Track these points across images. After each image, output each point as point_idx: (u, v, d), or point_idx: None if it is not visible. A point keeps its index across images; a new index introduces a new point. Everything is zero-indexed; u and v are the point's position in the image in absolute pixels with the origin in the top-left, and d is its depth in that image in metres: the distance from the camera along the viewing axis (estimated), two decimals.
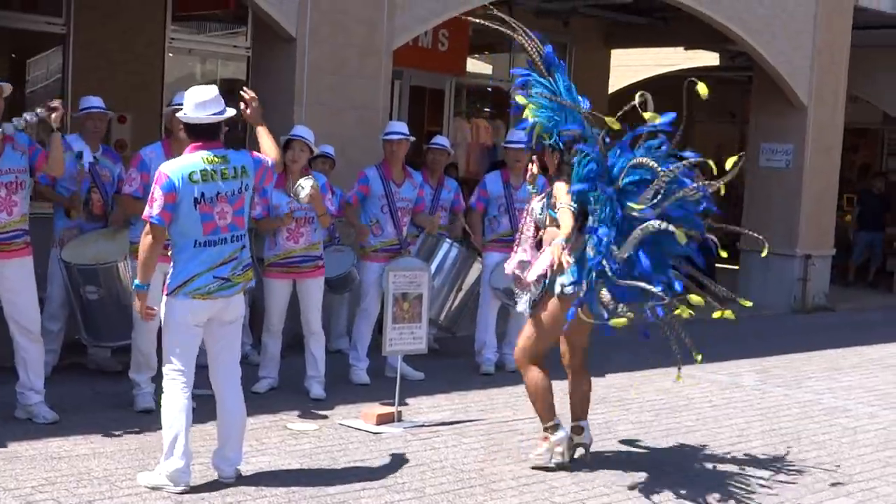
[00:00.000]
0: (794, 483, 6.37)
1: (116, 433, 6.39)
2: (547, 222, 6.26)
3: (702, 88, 6.04)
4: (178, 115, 5.59)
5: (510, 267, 6.42)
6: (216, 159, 5.43)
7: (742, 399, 8.63)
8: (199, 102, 5.42)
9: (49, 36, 11.30)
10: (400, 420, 7.10)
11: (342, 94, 9.59)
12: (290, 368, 7.90)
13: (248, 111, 5.78)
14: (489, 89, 16.21)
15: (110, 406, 7.02)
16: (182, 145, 6.64)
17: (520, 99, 6.30)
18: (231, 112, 5.54)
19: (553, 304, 6.18)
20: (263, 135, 5.81)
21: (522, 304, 6.36)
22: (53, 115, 6.28)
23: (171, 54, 12.15)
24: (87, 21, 11.20)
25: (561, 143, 6.22)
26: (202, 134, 5.46)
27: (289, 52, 9.37)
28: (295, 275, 7.61)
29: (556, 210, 6.16)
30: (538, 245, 6.35)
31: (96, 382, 7.66)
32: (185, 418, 5.40)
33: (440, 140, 9.39)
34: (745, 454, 6.94)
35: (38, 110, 6.26)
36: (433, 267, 8.44)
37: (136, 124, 11.57)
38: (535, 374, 6.32)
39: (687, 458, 6.76)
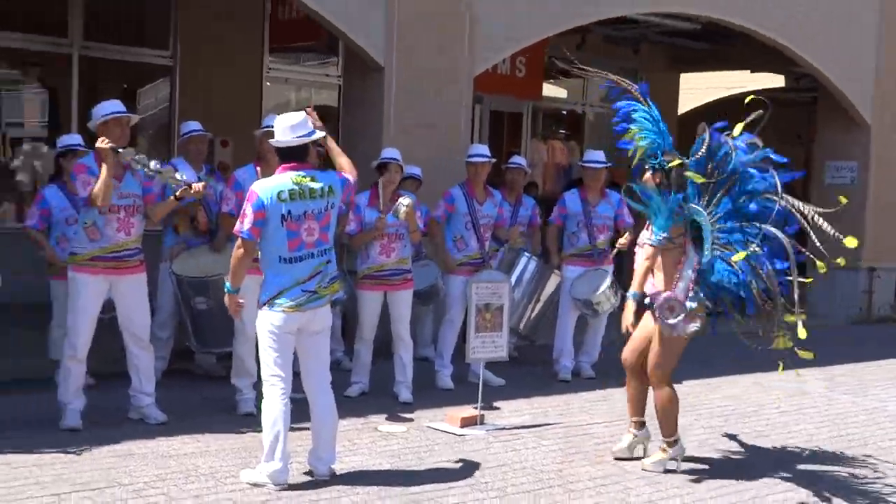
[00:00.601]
0: (864, 487, 6.24)
1: (221, 433, 6.49)
2: (665, 246, 6.14)
3: (758, 108, 6.16)
4: (271, 140, 5.68)
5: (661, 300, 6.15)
6: (305, 179, 5.50)
7: (810, 406, 8.47)
8: (287, 126, 5.50)
9: (157, 68, 11.57)
10: (483, 423, 7.11)
11: (427, 119, 9.66)
12: (380, 374, 7.96)
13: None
14: (564, 112, 16.18)
15: (216, 409, 7.14)
16: (271, 165, 6.76)
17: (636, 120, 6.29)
18: (319, 135, 5.61)
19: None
20: (338, 155, 5.79)
21: (686, 327, 6.12)
22: (184, 190, 6.37)
23: (268, 83, 12.36)
24: (191, 53, 11.45)
25: (665, 165, 6.20)
26: (291, 155, 5.53)
27: (377, 80, 9.48)
28: (386, 287, 7.68)
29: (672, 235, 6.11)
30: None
31: (203, 387, 7.80)
32: (283, 422, 5.47)
33: (518, 160, 9.41)
34: (815, 459, 6.81)
35: (179, 178, 6.34)
36: (513, 279, 8.47)
37: (237, 148, 11.78)
38: (669, 391, 6.27)
39: (757, 462, 6.66)
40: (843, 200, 6.21)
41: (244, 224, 5.46)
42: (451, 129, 9.84)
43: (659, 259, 6.20)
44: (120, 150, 6.23)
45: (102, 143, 6.20)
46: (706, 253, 6.06)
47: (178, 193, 6.43)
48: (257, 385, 6.97)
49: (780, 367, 6.16)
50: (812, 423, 7.86)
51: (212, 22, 11.56)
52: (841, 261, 6.20)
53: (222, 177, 8.44)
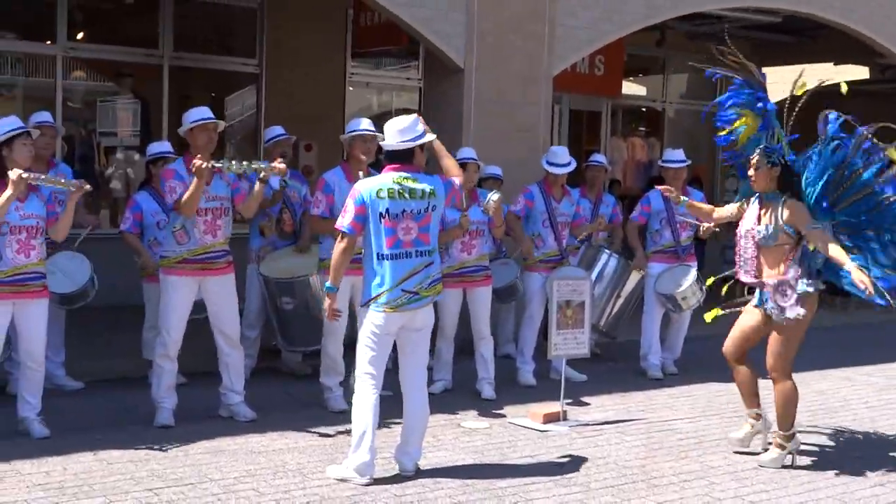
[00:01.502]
0: None
1: (308, 430, 6.54)
2: (778, 241, 6.11)
3: (843, 86, 6.41)
4: (379, 141, 5.72)
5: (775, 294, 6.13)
6: (407, 180, 5.52)
7: None
8: (397, 130, 5.55)
9: (244, 75, 11.75)
10: (565, 419, 7.05)
11: (506, 119, 9.64)
12: (462, 372, 7.95)
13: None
14: (643, 109, 16.00)
15: (302, 406, 7.20)
16: (358, 166, 6.84)
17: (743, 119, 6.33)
18: (428, 138, 5.62)
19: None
20: (445, 157, 5.84)
21: (794, 314, 6.09)
22: (267, 171, 6.42)
23: (350, 88, 12.46)
24: (276, 61, 11.60)
25: (784, 160, 6.13)
26: (396, 157, 5.57)
27: (457, 82, 9.49)
28: (467, 284, 7.68)
29: (796, 229, 6.06)
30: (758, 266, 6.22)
31: (289, 385, 7.88)
32: (373, 416, 5.50)
33: (597, 157, 9.32)
34: None
35: (265, 164, 6.42)
36: (593, 276, 8.39)
37: (321, 151, 11.89)
38: (790, 385, 6.22)
39: (844, 457, 6.48)
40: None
41: (345, 219, 5.51)
42: (531, 129, 9.81)
43: (767, 254, 6.14)
44: (216, 164, 6.27)
45: (200, 161, 6.21)
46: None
47: (262, 176, 6.44)
48: (343, 383, 7.07)
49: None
50: None
51: (296, 29, 11.70)
52: None
53: (306, 180, 8.54)
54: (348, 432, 6.49)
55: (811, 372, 9.07)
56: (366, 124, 6.91)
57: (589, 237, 8.77)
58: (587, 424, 7.02)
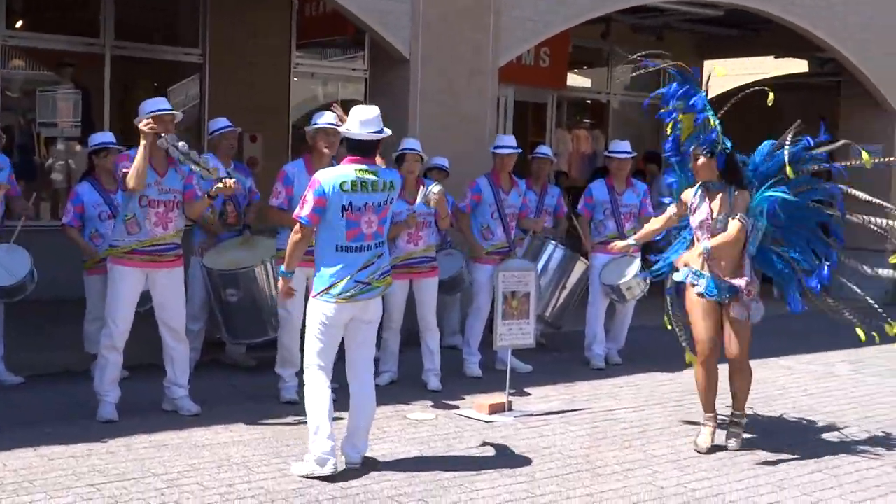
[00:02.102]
0: (890, 466, 6.14)
1: (253, 423, 6.50)
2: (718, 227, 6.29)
3: (718, 71, 6.87)
4: (341, 129, 5.66)
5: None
6: (367, 172, 5.48)
7: (837, 388, 8.37)
8: (363, 120, 5.49)
9: (187, 65, 11.61)
10: (511, 410, 7.07)
11: (452, 110, 9.63)
12: (408, 363, 7.95)
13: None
14: (588, 101, 16.08)
15: (247, 398, 7.15)
16: (322, 160, 6.80)
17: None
18: (388, 132, 5.60)
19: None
20: None
21: (758, 314, 6.31)
22: (220, 186, 6.36)
23: (295, 78, 12.37)
24: (220, 51, 11.48)
25: (724, 148, 6.24)
26: (360, 149, 5.52)
27: (403, 73, 9.45)
28: (413, 275, 7.67)
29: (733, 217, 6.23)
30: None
31: (233, 377, 7.82)
32: (327, 409, 5.47)
33: (543, 149, 9.36)
34: (842, 441, 6.73)
35: (214, 172, 6.30)
36: (539, 267, 8.42)
37: (266, 142, 11.80)
38: (750, 369, 6.48)
39: (784, 444, 6.57)
40: (866, 156, 6.24)
41: (304, 210, 5.45)
42: (476, 120, 9.80)
43: (723, 247, 6.25)
44: (162, 135, 6.21)
45: (146, 124, 6.18)
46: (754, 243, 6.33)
47: (212, 192, 6.44)
48: (299, 374, 7.03)
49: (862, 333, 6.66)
50: (838, 405, 7.76)
51: (241, 19, 11.58)
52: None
53: (249, 170, 8.46)
54: (294, 423, 6.50)
55: (751, 361, 9.16)
56: (329, 118, 6.87)
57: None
58: (532, 415, 7.04)
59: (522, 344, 7.38)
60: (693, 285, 6.38)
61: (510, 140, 8.44)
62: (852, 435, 6.88)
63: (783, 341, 10.07)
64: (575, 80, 15.42)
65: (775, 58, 16.79)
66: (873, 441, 6.73)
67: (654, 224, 6.84)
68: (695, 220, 6.38)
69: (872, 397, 8.07)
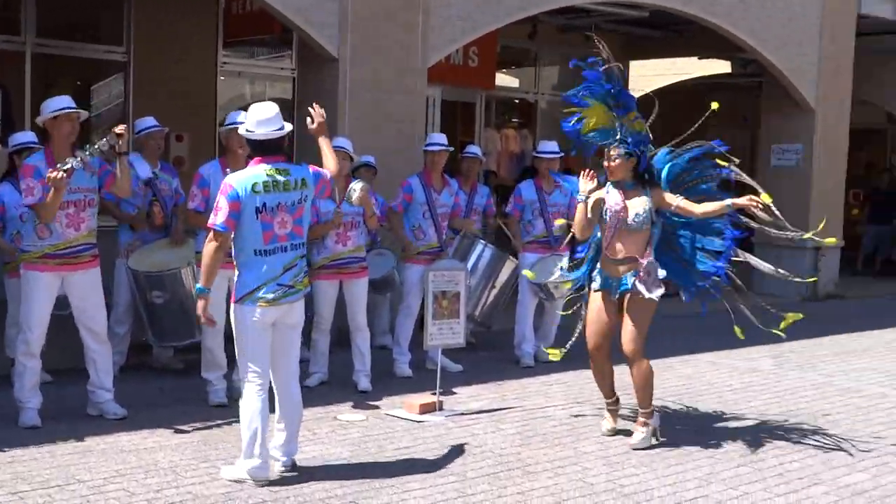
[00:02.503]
0: (812, 459, 6.27)
1: (180, 427, 6.40)
2: (646, 225, 6.39)
3: (714, 104, 6.68)
4: (240, 131, 5.54)
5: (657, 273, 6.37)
6: (278, 172, 5.39)
7: (760, 383, 8.52)
8: (261, 119, 5.38)
9: (111, 63, 11.37)
10: (441, 409, 7.07)
11: (381, 109, 9.60)
12: (338, 364, 7.90)
13: (315, 126, 5.71)
14: (516, 101, 16.14)
15: (174, 402, 7.03)
16: (238, 160, 6.71)
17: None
18: (289, 128, 5.50)
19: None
20: (325, 147, 5.75)
21: (658, 294, 6.36)
22: (121, 141, 6.21)
23: (222, 77, 12.19)
24: (145, 49, 11.26)
25: (639, 150, 6.34)
26: (265, 149, 5.42)
27: (331, 71, 9.39)
28: (342, 276, 7.62)
29: (669, 209, 6.41)
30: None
31: (161, 380, 7.69)
32: (262, 418, 5.36)
33: (472, 149, 9.36)
34: (767, 434, 6.84)
35: (108, 138, 6.16)
36: (468, 266, 8.42)
37: (193, 142, 11.62)
38: (647, 363, 6.50)
39: (711, 439, 6.67)
40: (767, 199, 6.34)
41: (218, 217, 5.31)
42: (406, 119, 9.78)
43: (632, 238, 6.37)
44: (65, 168, 5.96)
45: (55, 174, 5.92)
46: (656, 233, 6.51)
47: (115, 149, 6.17)
48: (227, 376, 6.95)
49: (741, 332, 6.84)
50: (762, 399, 7.90)
51: (166, 17, 11.38)
52: (832, 240, 6.70)
53: (176, 171, 8.33)
54: (223, 426, 6.41)
55: (677, 357, 9.33)
56: (243, 117, 6.77)
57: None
58: (463, 414, 7.05)
59: (453, 343, 7.38)
60: (591, 281, 6.56)
61: (441, 138, 8.44)
62: (776, 428, 7.00)
63: (707, 338, 10.20)
64: (503, 79, 15.47)
65: (699, 59, 17.06)
66: (796, 434, 6.86)
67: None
68: (605, 215, 6.45)
69: (794, 391, 8.22)
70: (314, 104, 5.78)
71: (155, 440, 6.11)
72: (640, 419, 6.50)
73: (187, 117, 11.27)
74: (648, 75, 18.12)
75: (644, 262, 6.33)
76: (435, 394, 7.14)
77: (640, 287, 6.31)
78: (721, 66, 17.80)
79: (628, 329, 6.40)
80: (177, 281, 7.23)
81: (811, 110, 13.98)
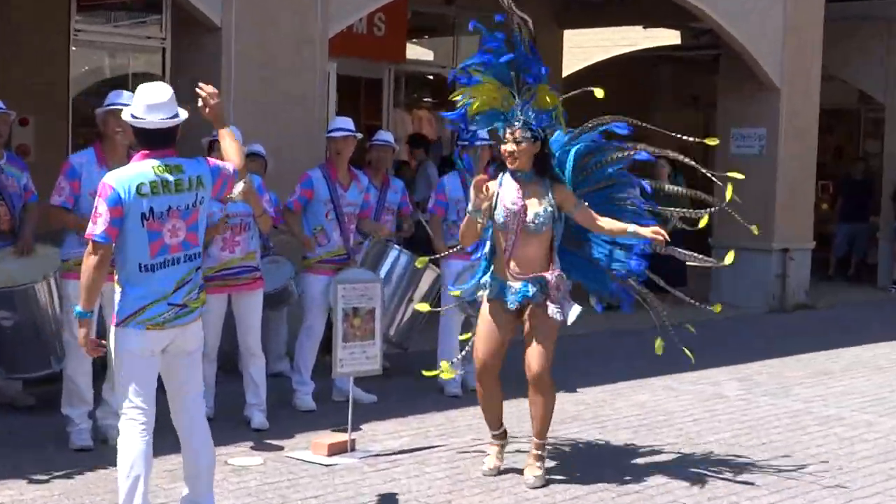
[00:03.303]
0: (791, 501, 6.41)
1: (36, 477, 6.26)
2: (547, 227, 6.45)
3: (598, 92, 6.74)
4: (124, 117, 5.42)
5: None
6: (168, 169, 5.29)
7: (726, 411, 8.69)
8: (152, 104, 5.27)
9: None
10: (354, 449, 7.06)
11: (274, 88, 9.55)
12: (227, 396, 7.84)
13: (208, 110, 5.62)
14: (431, 77, 16.19)
15: (27, 446, 6.89)
16: (117, 150, 6.64)
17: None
18: (184, 115, 5.40)
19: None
20: (227, 138, 5.69)
21: (574, 314, 6.45)
22: None
23: (75, 48, 11.96)
24: None
25: (544, 134, 6.39)
26: (154, 140, 5.31)
27: (213, 43, 9.30)
28: (232, 288, 7.56)
29: (561, 211, 6.47)
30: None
31: (9, 419, 7.52)
32: (144, 464, 5.24)
33: (384, 136, 9.37)
34: (736, 472, 6.97)
35: None
36: (381, 276, 8.40)
37: (40, 127, 11.37)
38: (553, 388, 6.62)
39: (673, 478, 6.77)
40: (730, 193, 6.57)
41: (98, 225, 5.18)
42: (303, 99, 9.75)
43: (533, 241, 6.45)
44: None
45: None
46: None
47: None
48: (93, 414, 6.85)
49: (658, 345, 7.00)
50: (730, 430, 8.06)
51: None
52: (754, 228, 7.02)
53: (26, 163, 8.15)
54: (88, 475, 6.29)
55: (628, 381, 9.46)
56: (125, 98, 6.69)
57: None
58: (380, 455, 7.05)
59: (368, 370, 7.38)
60: (484, 289, 6.66)
61: (347, 122, 8.41)
62: (747, 465, 7.14)
63: (662, 357, 10.35)
64: (415, 51, 15.51)
65: (644, 28, 17.33)
66: (771, 471, 7.01)
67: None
68: (499, 215, 6.50)
69: (766, 420, 8.41)
70: (199, 83, 5.69)
71: (6, 495, 5.96)
72: (535, 452, 6.60)
73: (33, 96, 11.03)
74: (585, 47, 18.37)
75: (550, 275, 6.38)
76: (346, 431, 7.12)
77: (553, 310, 6.38)
78: (669, 37, 18.11)
79: (534, 347, 6.48)
80: (30, 299, 7.06)
81: (775, 89, 14.32)
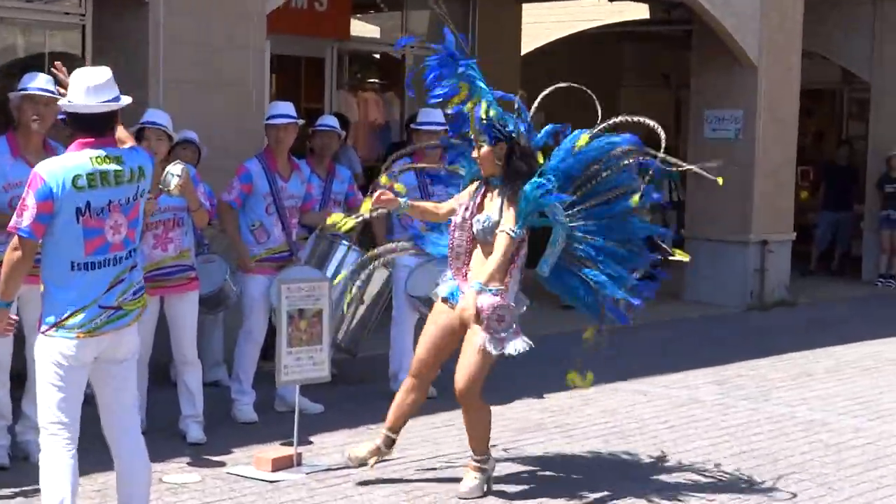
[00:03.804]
0: None
1: None
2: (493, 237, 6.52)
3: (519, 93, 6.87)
4: (60, 102, 5.42)
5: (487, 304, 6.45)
6: (108, 159, 5.29)
7: (703, 417, 8.79)
8: (90, 87, 5.26)
9: None
10: (301, 464, 7.08)
11: (207, 68, 9.53)
12: (160, 407, 7.84)
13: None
14: (377, 56, 16.19)
15: None
16: (32, 139, 6.62)
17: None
18: (127, 100, 5.41)
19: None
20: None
21: (514, 349, 6.50)
22: None
23: None
24: None
25: (519, 132, 6.47)
26: (92, 126, 5.30)
27: (139, 18, 9.28)
28: (164, 290, 7.56)
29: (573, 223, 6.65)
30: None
31: None
32: (72, 483, 5.24)
33: (328, 120, 9.38)
34: (716, 483, 7.08)
35: None
36: (328, 275, 8.42)
37: None
38: (483, 404, 6.66)
39: (647, 491, 6.86)
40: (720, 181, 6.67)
41: (23, 218, 5.18)
42: (239, 81, 9.73)
43: (486, 249, 6.55)
44: None
45: None
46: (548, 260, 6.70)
47: None
48: (12, 429, 6.88)
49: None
50: (708, 438, 8.17)
51: None
52: (719, 179, 7.12)
53: None
54: (5, 493, 6.27)
55: (598, 386, 9.44)
56: (42, 82, 6.66)
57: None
58: (329, 470, 7.07)
59: (315, 377, 7.39)
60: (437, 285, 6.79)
61: (287, 108, 8.41)
62: (727, 476, 7.25)
63: (634, 359, 10.48)
64: (360, 27, 15.50)
65: (610, 1, 17.41)
66: (753, 482, 7.12)
67: (441, 205, 7.08)
68: (457, 218, 6.66)
69: (747, 427, 8.52)
70: (55, 65, 5.65)
71: None
72: (473, 463, 6.70)
73: None
74: (545, 22, 18.44)
75: (487, 302, 6.39)
76: (291, 444, 7.14)
77: (482, 338, 6.41)
78: (637, 11, 18.21)
79: (462, 360, 6.56)
80: None
81: (752, 67, 14.43)
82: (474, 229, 6.54)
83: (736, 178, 14.31)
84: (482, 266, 6.53)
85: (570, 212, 6.68)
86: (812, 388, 9.97)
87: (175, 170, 6.72)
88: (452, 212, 6.84)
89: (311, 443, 7.59)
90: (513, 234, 6.47)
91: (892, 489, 7.01)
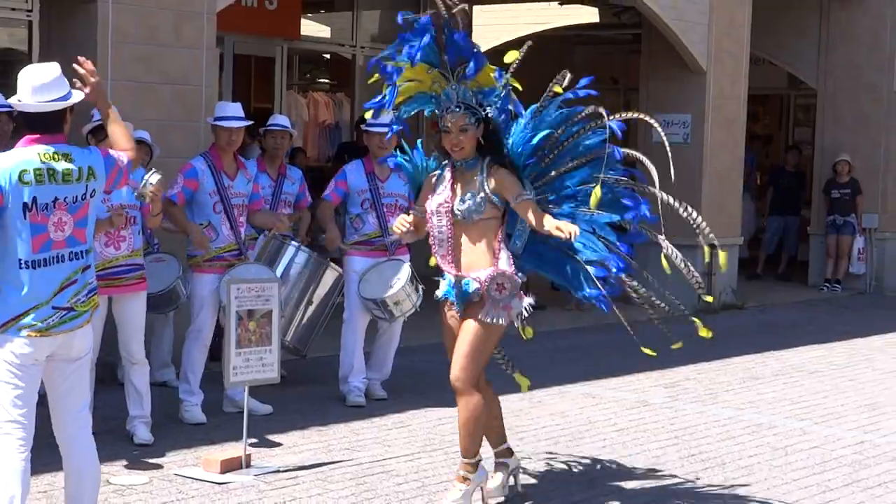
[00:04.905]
0: None
1: None
2: (484, 214, 6.37)
3: (510, 55, 6.58)
4: (10, 100, 5.40)
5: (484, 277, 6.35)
6: (57, 156, 5.27)
7: (652, 420, 8.84)
8: (38, 85, 5.25)
9: None
10: (249, 466, 7.05)
11: (156, 67, 9.50)
12: (106, 407, 7.80)
13: (89, 89, 5.56)
14: (327, 56, 16.18)
15: None
16: None
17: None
18: (78, 97, 5.39)
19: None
20: (114, 122, 5.67)
21: (521, 304, 6.44)
22: None
23: None
24: None
25: (497, 111, 6.39)
26: (40, 125, 5.30)
27: (86, 16, 9.23)
28: (114, 289, 7.51)
29: (503, 199, 6.38)
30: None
31: None
32: (22, 483, 5.19)
33: (280, 120, 9.35)
34: (663, 486, 7.11)
35: None
36: (277, 275, 8.39)
37: None
38: (479, 398, 6.37)
39: (595, 494, 6.88)
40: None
41: None
42: (188, 80, 9.69)
43: (469, 232, 6.43)
44: None
45: None
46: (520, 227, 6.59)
47: None
48: None
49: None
50: (657, 441, 8.21)
51: None
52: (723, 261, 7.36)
53: None
54: None
55: (547, 389, 9.55)
56: None
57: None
58: (278, 472, 7.05)
59: (264, 379, 7.36)
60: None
61: (236, 109, 8.38)
62: (675, 479, 7.29)
63: (582, 363, 10.52)
64: (310, 27, 15.49)
65: (560, 4, 17.49)
66: (704, 485, 7.16)
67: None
68: (431, 204, 6.50)
69: (695, 430, 8.57)
70: (78, 58, 5.65)
71: None
72: (461, 473, 6.45)
73: None
74: (494, 24, 18.48)
75: (490, 273, 6.31)
76: (241, 445, 7.11)
77: (483, 314, 6.32)
78: (586, 15, 18.30)
79: (458, 350, 6.41)
80: None
81: (701, 71, 14.55)
82: (456, 212, 6.37)
83: (684, 182, 14.41)
84: (475, 251, 6.40)
85: (537, 183, 6.58)
86: (759, 391, 10.05)
87: (152, 179, 6.67)
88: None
89: (260, 444, 7.56)
90: (531, 196, 6.39)
91: (839, 492, 7.07)
